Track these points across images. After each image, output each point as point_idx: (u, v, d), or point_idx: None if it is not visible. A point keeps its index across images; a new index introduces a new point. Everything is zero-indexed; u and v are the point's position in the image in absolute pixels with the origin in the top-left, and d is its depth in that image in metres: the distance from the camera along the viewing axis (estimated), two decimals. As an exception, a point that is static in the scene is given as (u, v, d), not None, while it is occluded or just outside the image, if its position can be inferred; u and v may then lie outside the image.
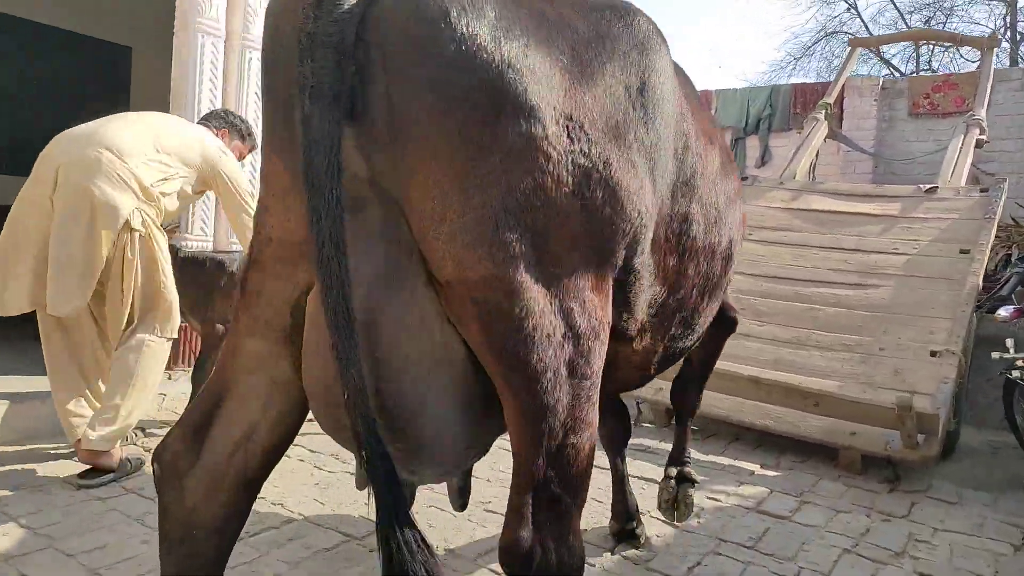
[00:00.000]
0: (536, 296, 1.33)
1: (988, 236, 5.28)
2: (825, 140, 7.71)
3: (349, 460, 3.81)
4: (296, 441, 3.97)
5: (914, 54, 19.79)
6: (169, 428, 1.69)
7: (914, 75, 15.19)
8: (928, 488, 4.15)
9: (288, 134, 1.33)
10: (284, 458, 4.07)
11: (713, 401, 4.71)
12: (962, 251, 5.27)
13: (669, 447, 3.31)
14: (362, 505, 3.19)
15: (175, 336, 3.39)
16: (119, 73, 7.68)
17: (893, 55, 19.54)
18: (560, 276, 1.38)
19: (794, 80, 18.31)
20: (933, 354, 4.56)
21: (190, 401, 4.06)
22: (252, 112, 4.74)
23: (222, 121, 3.85)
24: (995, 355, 4.34)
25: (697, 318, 2.06)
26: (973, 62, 17.02)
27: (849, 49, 8.47)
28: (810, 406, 4.40)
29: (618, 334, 1.64)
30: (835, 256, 5.69)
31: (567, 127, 1.36)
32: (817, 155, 8.03)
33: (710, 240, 1.93)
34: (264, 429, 1.56)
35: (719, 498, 3.70)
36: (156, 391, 3.45)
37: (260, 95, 1.64)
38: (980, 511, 3.79)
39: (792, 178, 6.90)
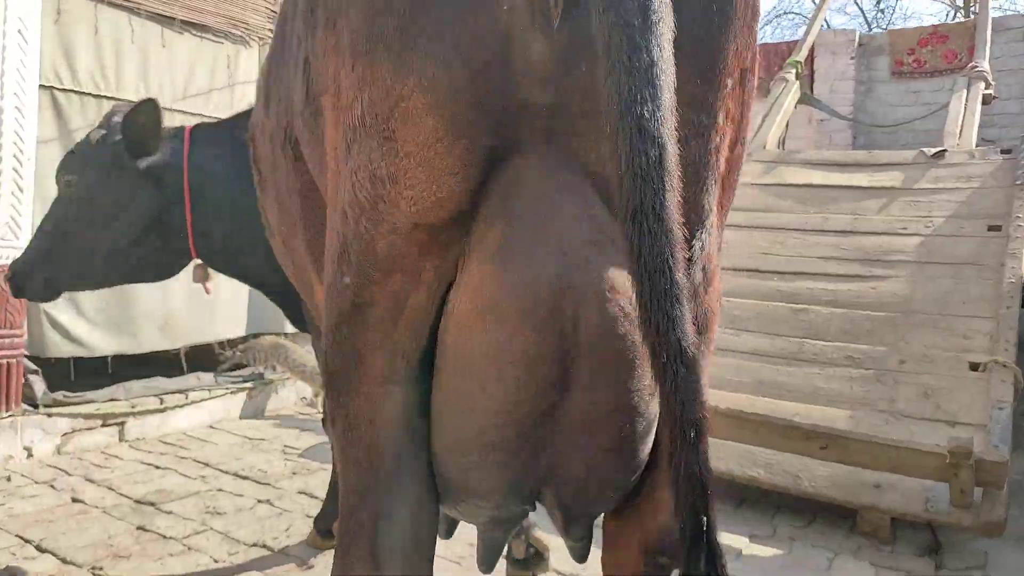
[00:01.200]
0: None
1: None
2: (796, 106, 6.50)
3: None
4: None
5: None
6: None
7: (895, 28, 14.09)
8: (985, 563, 2.93)
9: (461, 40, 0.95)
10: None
11: (680, 445, 3.42)
12: (991, 228, 4.09)
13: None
14: None
15: None
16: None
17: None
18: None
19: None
20: (974, 367, 3.34)
21: None
22: (12, 64, 3.32)
23: None
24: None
25: None
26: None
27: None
28: (815, 449, 3.15)
29: None
30: (825, 240, 4.48)
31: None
32: (788, 125, 6.82)
33: None
34: None
35: (696, 613, 2.40)
36: None
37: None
38: (1074, 604, 2.61)
39: (762, 148, 5.64)
